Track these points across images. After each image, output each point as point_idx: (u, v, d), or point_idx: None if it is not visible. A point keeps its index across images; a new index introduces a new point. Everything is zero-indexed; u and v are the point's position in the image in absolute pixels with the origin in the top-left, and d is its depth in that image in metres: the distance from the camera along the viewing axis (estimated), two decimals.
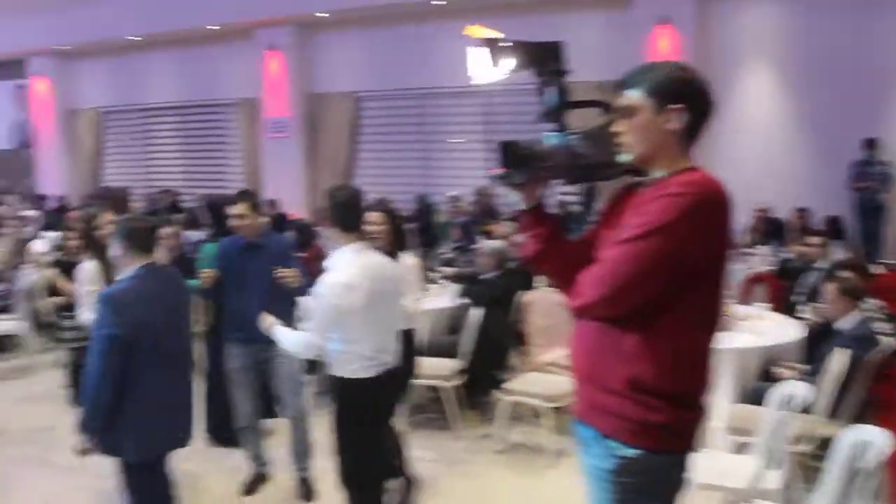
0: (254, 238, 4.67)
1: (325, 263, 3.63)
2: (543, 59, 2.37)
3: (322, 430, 5.46)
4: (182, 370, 3.71)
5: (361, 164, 12.63)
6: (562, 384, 5.37)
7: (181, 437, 3.68)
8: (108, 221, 4.55)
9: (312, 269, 7.34)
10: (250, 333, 4.33)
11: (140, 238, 3.56)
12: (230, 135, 14.07)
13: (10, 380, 7.20)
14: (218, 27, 12.87)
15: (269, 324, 3.84)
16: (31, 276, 7.65)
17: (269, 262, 4.54)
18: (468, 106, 11.52)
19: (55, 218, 11.55)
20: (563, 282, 2.33)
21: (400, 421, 4.55)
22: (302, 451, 4.86)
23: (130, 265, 3.55)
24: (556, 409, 5.36)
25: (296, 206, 12.05)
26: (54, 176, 16.20)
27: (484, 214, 10.32)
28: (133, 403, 3.41)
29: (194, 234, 10.63)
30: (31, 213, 12.13)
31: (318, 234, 9.19)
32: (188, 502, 4.79)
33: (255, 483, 4.99)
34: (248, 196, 4.76)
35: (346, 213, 3.63)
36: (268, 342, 4.59)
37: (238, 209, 4.62)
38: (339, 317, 3.49)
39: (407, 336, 4.45)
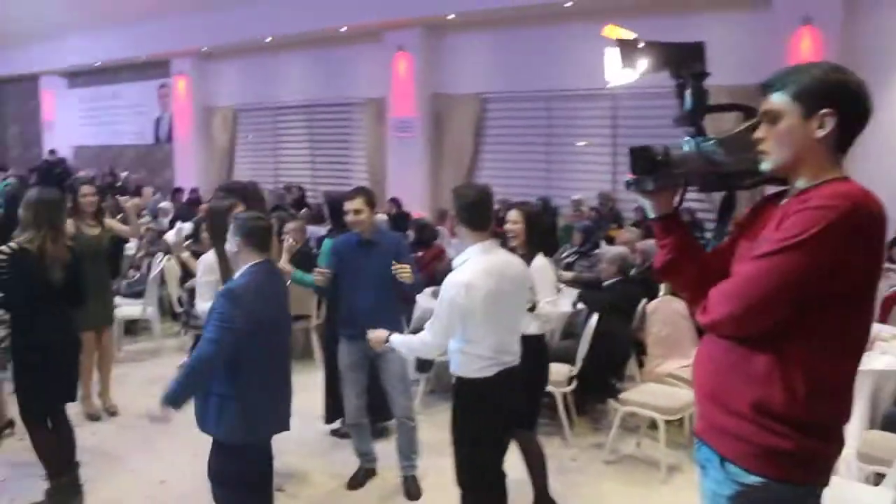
0: (368, 235, 4.71)
1: (452, 262, 3.66)
2: (682, 60, 2.26)
3: (431, 429, 5.56)
4: (283, 362, 3.81)
5: (484, 165, 12.61)
6: (680, 397, 5.20)
7: (281, 425, 3.77)
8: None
9: (430, 269, 7.43)
10: (361, 330, 4.35)
11: (258, 236, 3.64)
12: (356, 133, 14.32)
13: (137, 362, 7.51)
14: (347, 29, 13.11)
15: (378, 339, 3.90)
16: (161, 265, 8.00)
17: (383, 259, 4.56)
18: (595, 109, 11.32)
19: (188, 210, 12.06)
20: (693, 295, 2.21)
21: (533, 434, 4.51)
22: (408, 450, 4.87)
23: (246, 261, 3.64)
24: (673, 422, 5.21)
25: (418, 206, 12.14)
26: (190, 170, 16.91)
27: (606, 219, 10.14)
28: (241, 390, 3.52)
29: (318, 230, 10.90)
30: (166, 204, 12.71)
31: (439, 234, 9.24)
32: (297, 492, 4.93)
33: (362, 478, 5.03)
34: (364, 192, 4.80)
35: (476, 211, 3.61)
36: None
37: (354, 204, 4.66)
38: (461, 316, 3.48)
39: (537, 341, 4.40)
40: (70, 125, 20.89)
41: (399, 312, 5.08)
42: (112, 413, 6.19)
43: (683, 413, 5.15)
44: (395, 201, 11.94)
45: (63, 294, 4.69)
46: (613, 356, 5.74)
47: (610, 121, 11.16)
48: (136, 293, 8.22)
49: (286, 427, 3.79)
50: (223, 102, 16.56)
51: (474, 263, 3.52)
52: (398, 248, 4.76)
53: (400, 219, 11.23)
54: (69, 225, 5.68)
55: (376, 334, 3.90)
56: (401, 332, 4.68)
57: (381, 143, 13.45)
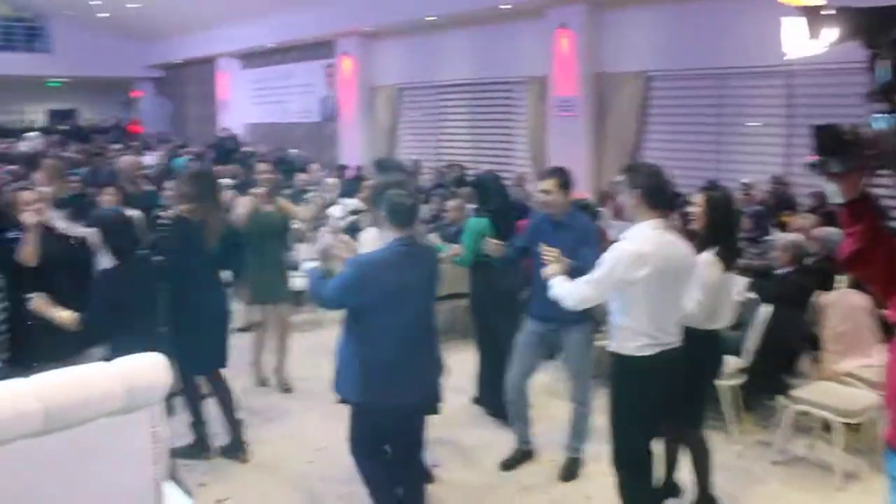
0: (559, 216, 4.64)
1: (620, 235, 3.66)
2: (877, 27, 2.02)
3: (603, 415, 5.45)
4: (418, 334, 3.89)
5: (649, 146, 12.20)
6: (859, 399, 4.83)
7: (411, 395, 3.88)
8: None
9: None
10: (545, 311, 4.41)
11: (401, 213, 3.72)
12: (517, 112, 14.21)
13: (301, 332, 7.76)
14: (510, 7, 12.96)
15: (552, 272, 3.89)
16: (326, 238, 8.19)
17: (572, 241, 4.48)
18: (768, 87, 10.70)
19: (352, 186, 12.33)
20: (885, 289, 2.00)
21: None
22: (579, 433, 4.84)
23: (389, 237, 3.75)
24: (850, 425, 4.85)
25: (580, 186, 11.89)
26: (354, 147, 17.34)
27: (779, 204, 9.58)
28: (366, 354, 3.73)
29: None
30: (331, 180, 13.05)
31: (601, 216, 9.00)
32: (450, 471, 4.94)
33: (517, 459, 5.00)
34: (557, 173, 4.73)
35: (659, 190, 3.63)
36: (561, 323, 4.58)
37: (545, 185, 4.60)
38: (624, 286, 3.50)
39: (714, 335, 4.26)
40: (243, 104, 21.92)
41: None
42: (286, 389, 6.36)
43: (862, 416, 4.79)
44: None
45: (218, 264, 4.95)
46: (785, 350, 5.40)
47: (785, 99, 10.51)
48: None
49: (416, 398, 3.90)
50: (387, 81, 16.85)
51: (643, 236, 3.53)
52: (585, 234, 4.66)
53: None
54: (247, 202, 5.93)
55: (552, 269, 3.92)
56: (587, 318, 4.64)
57: (542, 123, 13.28)
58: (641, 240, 3.51)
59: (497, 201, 5.73)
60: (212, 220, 4.92)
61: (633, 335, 3.56)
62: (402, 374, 3.76)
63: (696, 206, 4.34)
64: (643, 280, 3.45)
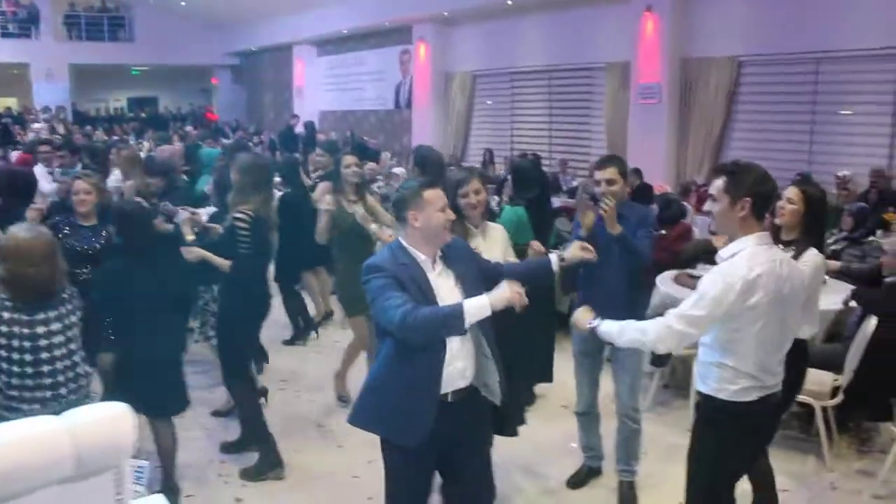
0: (618, 208, 4.14)
1: (720, 254, 3.01)
2: None
3: (660, 429, 4.91)
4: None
5: (736, 136, 11.46)
6: None
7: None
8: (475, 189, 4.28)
9: (674, 249, 6.65)
10: (598, 310, 3.92)
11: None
12: (596, 100, 13.59)
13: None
14: None
15: (580, 321, 3.35)
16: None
17: (630, 233, 4.08)
18: (870, 72, 9.87)
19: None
20: None
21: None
22: (627, 453, 4.37)
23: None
24: None
25: (661, 178, 11.26)
26: (426, 135, 16.94)
27: (882, 200, 8.78)
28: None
29: (553, 200, 10.39)
30: (399, 170, 12.66)
31: (686, 211, 8.39)
32: (514, 484, 4.51)
33: (584, 476, 4.58)
34: (617, 160, 4.27)
35: (769, 199, 3.01)
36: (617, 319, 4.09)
37: (608, 173, 4.14)
38: (729, 316, 2.87)
39: (799, 347, 3.63)
40: (317, 91, 21.76)
41: (641, 296, 4.59)
42: (343, 400, 5.94)
43: None
44: (637, 172, 11.11)
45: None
46: (893, 368, 4.72)
47: (892, 85, 9.64)
48: None
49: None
50: (462, 67, 16.41)
51: (753, 256, 2.89)
52: (643, 221, 4.23)
53: (642, 191, 10.45)
54: (331, 200, 5.43)
55: (579, 314, 3.38)
56: (640, 317, 4.14)
57: (622, 111, 12.65)
58: (751, 260, 2.87)
59: (534, 189, 5.32)
60: (271, 213, 4.70)
61: (734, 376, 2.95)
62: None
63: (790, 202, 3.83)
64: (753, 311, 2.85)
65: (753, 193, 2.90)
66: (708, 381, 3.01)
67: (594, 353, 4.36)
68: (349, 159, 5.56)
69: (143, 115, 25.51)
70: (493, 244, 4.13)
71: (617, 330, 3.18)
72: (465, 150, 16.52)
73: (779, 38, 10.54)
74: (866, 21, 9.60)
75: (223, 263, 4.59)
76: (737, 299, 2.82)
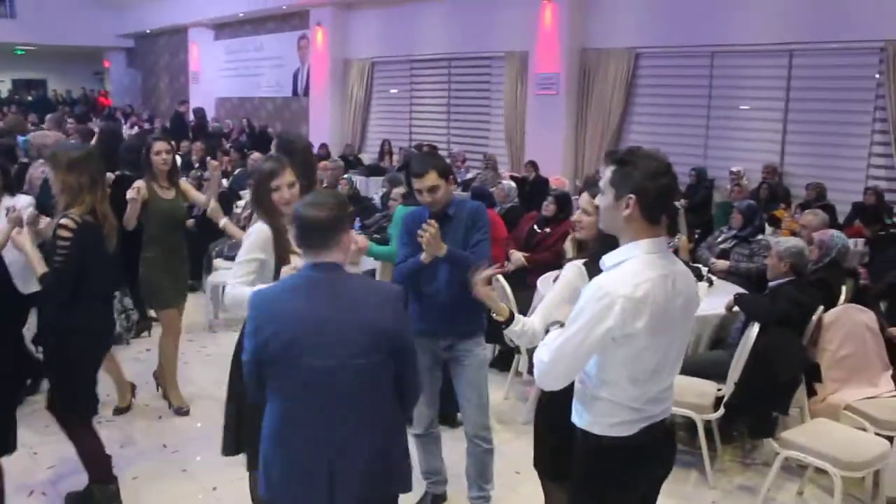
0: (442, 207, 3.73)
1: (604, 261, 2.44)
2: None
3: (514, 444, 4.56)
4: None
5: (633, 128, 11.30)
6: (864, 445, 3.94)
7: None
8: (288, 182, 3.71)
9: (557, 249, 6.31)
10: (433, 323, 3.69)
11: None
12: (495, 90, 13.24)
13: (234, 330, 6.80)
14: None
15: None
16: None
17: (458, 236, 3.69)
18: (766, 67, 9.80)
19: None
20: None
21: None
22: (480, 476, 3.95)
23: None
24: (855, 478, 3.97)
25: (558, 171, 11.01)
26: (323, 124, 16.40)
27: (774, 198, 8.66)
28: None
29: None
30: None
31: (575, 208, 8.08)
32: None
33: None
34: (433, 163, 3.81)
35: (663, 194, 2.36)
36: (455, 337, 3.69)
37: (426, 181, 3.65)
38: (607, 341, 2.31)
39: None
40: (214, 77, 20.91)
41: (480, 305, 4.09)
42: (182, 412, 5.40)
43: (868, 469, 3.88)
44: (532, 164, 10.85)
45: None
46: (778, 381, 4.44)
47: (784, 81, 9.57)
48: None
49: None
50: (360, 54, 15.87)
51: (640, 269, 2.34)
52: (475, 220, 3.76)
53: (538, 185, 10.18)
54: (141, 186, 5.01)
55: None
56: (482, 329, 3.72)
57: (521, 101, 12.34)
58: (637, 274, 2.33)
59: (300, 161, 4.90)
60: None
61: (614, 409, 2.45)
62: None
63: (585, 212, 3.17)
64: (642, 335, 2.32)
65: (641, 190, 2.32)
66: (587, 414, 2.51)
67: (432, 367, 3.87)
68: (160, 145, 5.16)
69: (30, 98, 24.17)
70: None
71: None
72: (363, 140, 16.01)
73: (675, 31, 10.40)
74: (759, 16, 9.52)
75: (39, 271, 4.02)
76: (617, 322, 2.27)
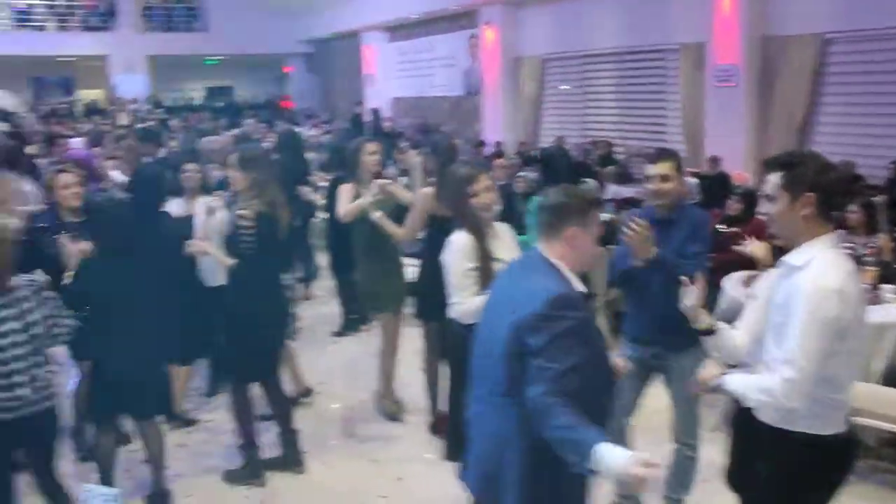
0: (668, 212, 3.67)
1: (794, 260, 2.54)
2: None
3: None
4: None
5: (822, 120, 10.64)
6: None
7: None
8: (483, 186, 3.80)
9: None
10: (645, 331, 3.73)
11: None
12: (670, 83, 12.88)
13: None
14: None
15: (706, 379, 2.87)
16: None
17: (681, 242, 3.63)
18: None
19: (487, 165, 11.53)
20: None
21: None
22: (679, 482, 3.95)
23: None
24: None
25: (740, 166, 10.59)
26: (497, 122, 16.52)
27: None
28: None
29: (622, 190, 9.86)
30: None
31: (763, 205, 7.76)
32: None
33: None
34: (671, 155, 3.79)
35: (836, 192, 2.55)
36: (666, 347, 3.65)
37: (660, 168, 3.68)
38: (838, 337, 2.42)
39: None
40: (389, 78, 21.51)
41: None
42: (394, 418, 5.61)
43: None
44: (714, 160, 10.51)
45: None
46: None
47: None
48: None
49: None
50: (531, 52, 15.86)
51: (836, 262, 2.47)
52: (697, 230, 3.72)
53: (719, 181, 9.83)
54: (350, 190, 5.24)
55: (705, 372, 2.91)
56: (692, 341, 3.67)
57: (698, 95, 11.94)
58: (837, 268, 2.45)
59: (563, 179, 4.94)
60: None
61: (828, 407, 2.53)
62: None
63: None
64: (850, 327, 2.44)
65: (817, 186, 2.46)
66: (792, 413, 2.55)
67: (636, 374, 3.80)
68: (372, 146, 5.30)
69: (219, 104, 25.78)
70: (505, 246, 3.77)
71: (742, 389, 2.71)
72: (536, 137, 16.01)
73: (871, 12, 9.69)
74: None
75: (227, 261, 4.42)
76: (840, 313, 2.39)
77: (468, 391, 2.82)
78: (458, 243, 3.69)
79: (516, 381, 2.46)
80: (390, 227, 5.03)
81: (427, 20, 18.98)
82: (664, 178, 3.66)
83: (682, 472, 3.92)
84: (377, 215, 5.00)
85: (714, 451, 3.89)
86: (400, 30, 20.72)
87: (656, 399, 4.01)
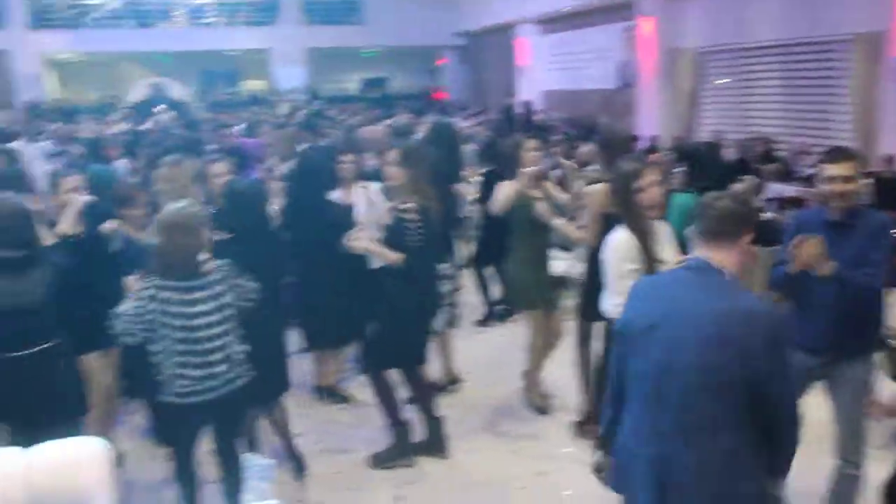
0: (843, 215, 3.45)
1: None
2: None
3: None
4: None
5: None
6: None
7: None
8: (650, 181, 3.66)
9: None
10: (816, 340, 3.49)
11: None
12: (839, 76, 12.12)
13: None
14: None
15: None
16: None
17: (857, 248, 3.40)
18: None
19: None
20: None
21: None
22: (835, 498, 3.70)
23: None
24: None
25: None
26: (652, 116, 16.09)
27: None
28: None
29: (785, 188, 9.43)
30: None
31: None
32: None
33: None
34: (853, 155, 3.58)
35: None
36: (837, 355, 3.44)
37: (843, 168, 3.47)
38: None
39: None
40: (541, 71, 21.36)
41: (878, 326, 3.71)
42: (541, 410, 5.59)
43: None
44: (890, 160, 9.85)
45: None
46: None
47: None
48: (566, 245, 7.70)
49: None
50: (688, 44, 15.32)
51: None
52: (878, 235, 3.47)
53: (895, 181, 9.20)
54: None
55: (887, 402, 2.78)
56: (869, 351, 3.44)
57: (872, 89, 11.18)
58: None
59: (711, 178, 4.81)
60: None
61: None
62: None
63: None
64: None
65: None
66: None
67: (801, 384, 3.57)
68: (532, 143, 5.24)
69: (374, 95, 26.35)
70: (663, 244, 3.62)
71: None
72: (693, 133, 15.48)
73: None
74: None
75: (391, 257, 4.48)
76: None
77: (637, 421, 2.69)
78: (620, 242, 3.59)
79: (743, 411, 2.43)
80: (568, 228, 4.95)
81: (581, 12, 18.68)
82: (847, 180, 3.44)
83: (843, 492, 3.67)
84: (544, 211, 4.96)
85: (881, 471, 3.66)
86: (553, 22, 20.52)
87: (816, 409, 3.78)
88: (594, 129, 14.49)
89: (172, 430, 3.94)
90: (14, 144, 10.19)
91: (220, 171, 5.15)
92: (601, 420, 2.97)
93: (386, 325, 4.63)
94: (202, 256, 3.67)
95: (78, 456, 2.01)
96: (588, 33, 18.98)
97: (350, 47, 26.74)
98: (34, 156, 9.98)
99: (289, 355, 4.67)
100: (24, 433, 3.76)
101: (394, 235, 4.50)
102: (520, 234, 5.18)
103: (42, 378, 3.83)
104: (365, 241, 4.57)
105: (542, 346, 5.39)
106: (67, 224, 4.30)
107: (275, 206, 5.19)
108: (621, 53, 17.53)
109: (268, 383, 4.30)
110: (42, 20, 23.96)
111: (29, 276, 3.76)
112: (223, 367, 3.69)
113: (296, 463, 4.57)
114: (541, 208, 5.02)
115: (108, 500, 2.03)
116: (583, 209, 4.97)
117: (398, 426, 4.70)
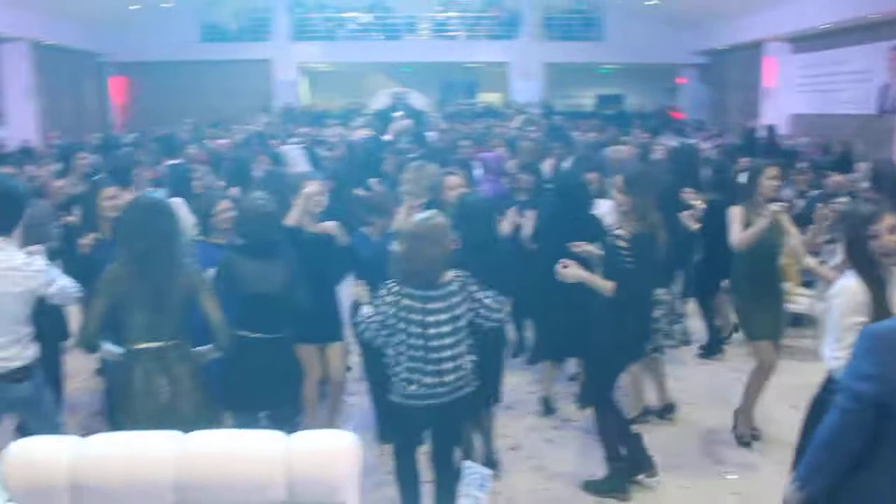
0: None
1: None
2: None
3: None
4: None
5: None
6: None
7: None
8: (889, 226, 3.27)
9: None
10: None
11: None
12: None
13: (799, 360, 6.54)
14: None
15: None
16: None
17: None
18: None
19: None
20: None
21: None
22: None
23: None
24: None
25: None
26: None
27: None
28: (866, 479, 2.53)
29: None
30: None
31: None
32: None
33: None
34: None
35: None
36: None
37: None
38: None
39: None
40: (788, 93, 20.16)
41: None
42: (745, 440, 5.38)
43: None
44: None
45: None
46: None
47: None
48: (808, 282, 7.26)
49: None
50: None
51: None
52: None
53: None
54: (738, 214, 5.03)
55: None
56: None
57: None
58: None
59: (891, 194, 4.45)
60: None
61: None
62: None
63: None
64: None
65: None
66: None
67: None
68: (772, 171, 4.95)
69: (609, 112, 25.97)
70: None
71: None
72: None
73: None
74: None
75: (604, 285, 4.39)
76: None
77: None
78: (848, 291, 3.23)
79: None
80: (821, 269, 4.67)
81: (837, 30, 17.43)
82: None
83: None
84: (799, 249, 4.72)
85: None
86: (806, 41, 19.31)
87: None
88: (847, 158, 13.37)
89: (398, 429, 4.07)
90: (284, 148, 11.13)
91: (455, 183, 5.27)
92: (799, 471, 2.82)
93: (589, 353, 4.62)
94: (444, 267, 3.76)
95: (335, 447, 2.13)
96: (846, 53, 17.64)
97: (587, 63, 26.64)
98: (297, 158, 10.74)
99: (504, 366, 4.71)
100: (247, 410, 4.06)
101: (607, 261, 4.44)
102: (758, 267, 4.99)
103: (277, 362, 4.12)
104: (575, 268, 4.49)
105: (764, 380, 5.16)
106: (295, 217, 4.59)
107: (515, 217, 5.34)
108: (884, 76, 16.15)
109: (484, 392, 4.33)
110: (302, 32, 25.89)
111: (275, 267, 4.09)
112: (453, 377, 3.76)
113: (492, 469, 4.59)
114: (796, 246, 4.77)
115: (356, 494, 2.14)
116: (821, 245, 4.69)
117: (616, 461, 4.57)
